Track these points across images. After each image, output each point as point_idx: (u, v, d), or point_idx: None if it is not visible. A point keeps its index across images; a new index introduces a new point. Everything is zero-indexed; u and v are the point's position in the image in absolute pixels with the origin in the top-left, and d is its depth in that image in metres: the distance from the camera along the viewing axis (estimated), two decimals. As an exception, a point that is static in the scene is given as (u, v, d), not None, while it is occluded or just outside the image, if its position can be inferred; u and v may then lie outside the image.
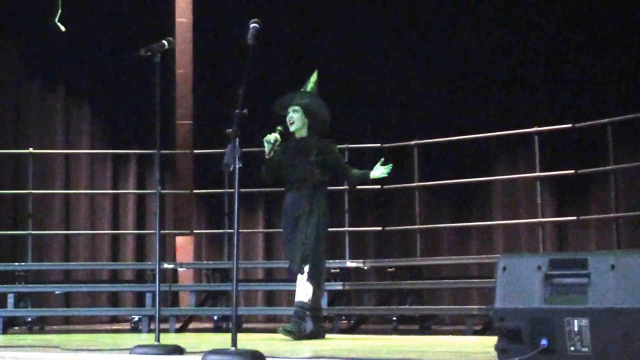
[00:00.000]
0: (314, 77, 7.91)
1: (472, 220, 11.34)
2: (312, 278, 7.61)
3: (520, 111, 11.08)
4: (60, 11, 10.48)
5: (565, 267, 4.42)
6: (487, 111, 11.37)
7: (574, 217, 10.13)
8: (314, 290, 7.66)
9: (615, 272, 4.27)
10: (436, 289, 10.73)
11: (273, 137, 7.61)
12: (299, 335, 7.56)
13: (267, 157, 7.67)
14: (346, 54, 12.39)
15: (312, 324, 7.80)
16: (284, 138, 7.82)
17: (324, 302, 9.52)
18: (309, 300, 7.63)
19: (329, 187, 8.00)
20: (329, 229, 7.81)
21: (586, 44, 10.87)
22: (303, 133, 7.88)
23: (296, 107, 7.83)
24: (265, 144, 7.61)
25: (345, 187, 10.28)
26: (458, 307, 10.44)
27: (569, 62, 10.97)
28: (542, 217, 9.66)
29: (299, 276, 7.62)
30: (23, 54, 12.17)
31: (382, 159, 7.70)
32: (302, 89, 7.92)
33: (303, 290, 7.62)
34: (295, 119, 7.83)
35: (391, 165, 7.66)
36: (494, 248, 11.17)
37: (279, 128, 7.68)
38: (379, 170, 7.65)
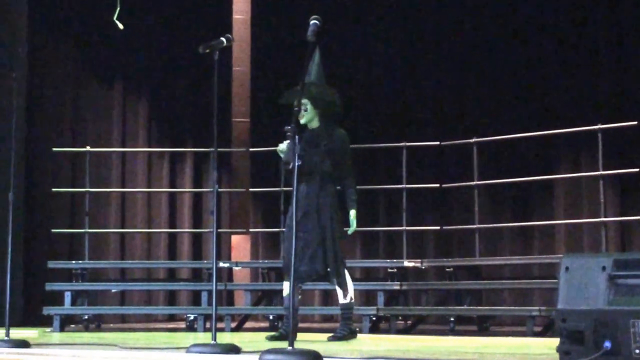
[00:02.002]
0: (316, 58, 7.72)
1: (534, 220, 11.16)
2: (345, 280, 7.60)
3: (583, 108, 10.88)
4: (118, 9, 10.48)
5: (630, 268, 4.35)
6: (549, 108, 11.19)
7: (638, 217, 9.92)
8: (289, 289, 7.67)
9: (682, 273, 4.17)
10: (496, 289, 10.59)
11: (285, 145, 7.47)
12: (349, 336, 7.56)
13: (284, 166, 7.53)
14: (405, 52, 12.28)
15: (285, 324, 7.76)
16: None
17: (380, 301, 9.52)
18: (351, 299, 7.62)
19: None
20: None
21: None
22: (315, 124, 7.72)
23: (303, 100, 7.59)
24: (280, 154, 7.47)
25: (403, 185, 10.19)
26: (518, 307, 10.28)
27: (635, 58, 10.75)
28: (605, 217, 9.48)
29: (334, 280, 7.59)
30: (81, 51, 12.20)
31: (355, 219, 7.58)
32: (307, 76, 7.60)
33: (342, 293, 7.61)
34: (303, 112, 7.66)
35: (354, 229, 7.60)
36: (555, 248, 10.99)
37: (288, 134, 7.48)
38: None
